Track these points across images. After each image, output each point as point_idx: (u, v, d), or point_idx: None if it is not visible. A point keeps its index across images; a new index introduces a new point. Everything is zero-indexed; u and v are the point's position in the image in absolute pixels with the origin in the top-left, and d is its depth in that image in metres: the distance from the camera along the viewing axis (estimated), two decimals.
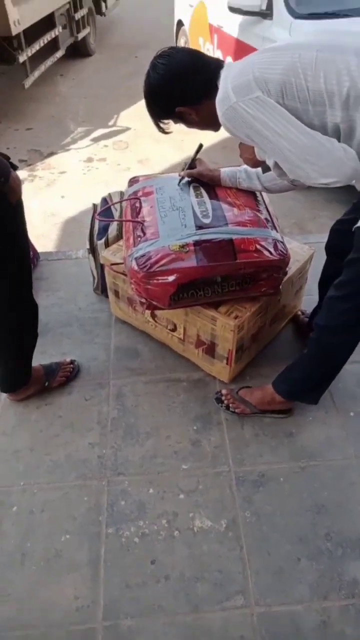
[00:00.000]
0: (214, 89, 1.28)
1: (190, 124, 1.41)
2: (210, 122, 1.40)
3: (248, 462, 1.59)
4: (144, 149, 4.13)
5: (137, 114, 4.77)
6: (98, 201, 2.11)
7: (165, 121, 1.42)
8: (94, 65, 6.10)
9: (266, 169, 1.64)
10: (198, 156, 1.77)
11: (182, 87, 1.32)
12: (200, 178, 1.75)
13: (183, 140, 4.11)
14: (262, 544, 1.41)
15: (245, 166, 1.76)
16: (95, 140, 4.28)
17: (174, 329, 1.83)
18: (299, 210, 3.18)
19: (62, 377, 1.86)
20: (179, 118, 1.39)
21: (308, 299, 2.03)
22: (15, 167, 1.38)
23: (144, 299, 1.60)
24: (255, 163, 1.58)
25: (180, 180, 1.76)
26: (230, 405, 1.73)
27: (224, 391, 1.77)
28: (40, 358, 1.96)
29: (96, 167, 3.88)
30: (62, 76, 5.88)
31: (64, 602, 1.32)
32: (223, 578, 1.34)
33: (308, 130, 1.18)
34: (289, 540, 1.41)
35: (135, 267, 1.53)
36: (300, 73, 1.15)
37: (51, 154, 4.12)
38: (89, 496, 1.53)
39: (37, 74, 4.78)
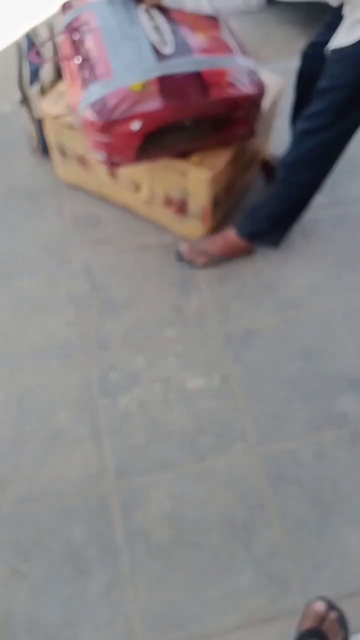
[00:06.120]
0: None
1: None
2: None
3: (233, 320, 1.58)
4: None
5: None
6: (15, 37, 1.71)
7: None
8: None
9: None
10: None
11: None
12: None
13: None
14: (255, 393, 1.46)
15: None
16: None
17: (137, 190, 1.64)
18: (250, 33, 2.77)
19: None
20: None
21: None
22: None
23: (103, 154, 1.39)
24: None
25: None
26: (193, 259, 1.66)
27: (183, 247, 1.68)
28: None
29: None
30: None
31: (74, 472, 1.35)
32: (223, 428, 1.41)
33: None
34: (280, 386, 1.47)
35: (91, 117, 1.29)
36: None
37: None
38: (78, 374, 1.49)
39: None
